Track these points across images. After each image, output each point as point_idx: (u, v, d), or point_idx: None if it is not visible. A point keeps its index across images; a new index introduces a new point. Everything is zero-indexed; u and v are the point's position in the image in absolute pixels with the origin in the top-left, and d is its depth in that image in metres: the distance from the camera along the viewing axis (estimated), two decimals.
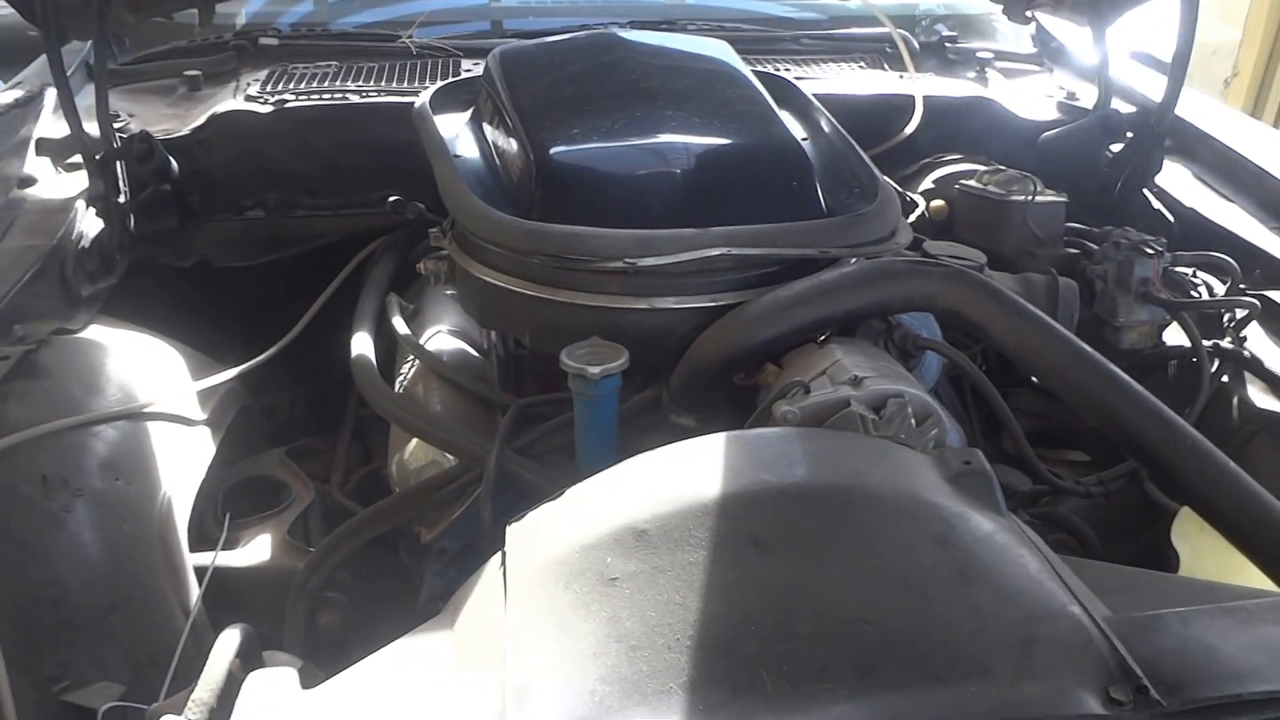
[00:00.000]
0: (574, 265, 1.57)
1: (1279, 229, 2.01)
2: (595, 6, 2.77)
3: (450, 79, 2.19)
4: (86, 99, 2.14)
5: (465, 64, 2.41)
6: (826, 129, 1.97)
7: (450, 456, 1.66)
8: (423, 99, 2.02)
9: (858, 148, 1.89)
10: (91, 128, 1.95)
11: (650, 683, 1.02)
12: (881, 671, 1.00)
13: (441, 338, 1.93)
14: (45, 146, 1.99)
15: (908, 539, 1.16)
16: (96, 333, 1.77)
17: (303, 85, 2.28)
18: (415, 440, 1.68)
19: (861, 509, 1.18)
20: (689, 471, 1.22)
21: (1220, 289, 1.92)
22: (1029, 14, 2.38)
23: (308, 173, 2.23)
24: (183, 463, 1.65)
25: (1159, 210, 2.14)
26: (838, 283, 1.54)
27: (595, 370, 1.47)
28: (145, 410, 1.63)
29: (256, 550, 1.68)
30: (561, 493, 1.26)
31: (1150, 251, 1.87)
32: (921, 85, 2.34)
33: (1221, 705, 0.96)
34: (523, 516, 1.26)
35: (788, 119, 1.89)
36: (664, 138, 1.72)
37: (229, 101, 2.21)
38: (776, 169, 1.72)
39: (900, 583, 1.10)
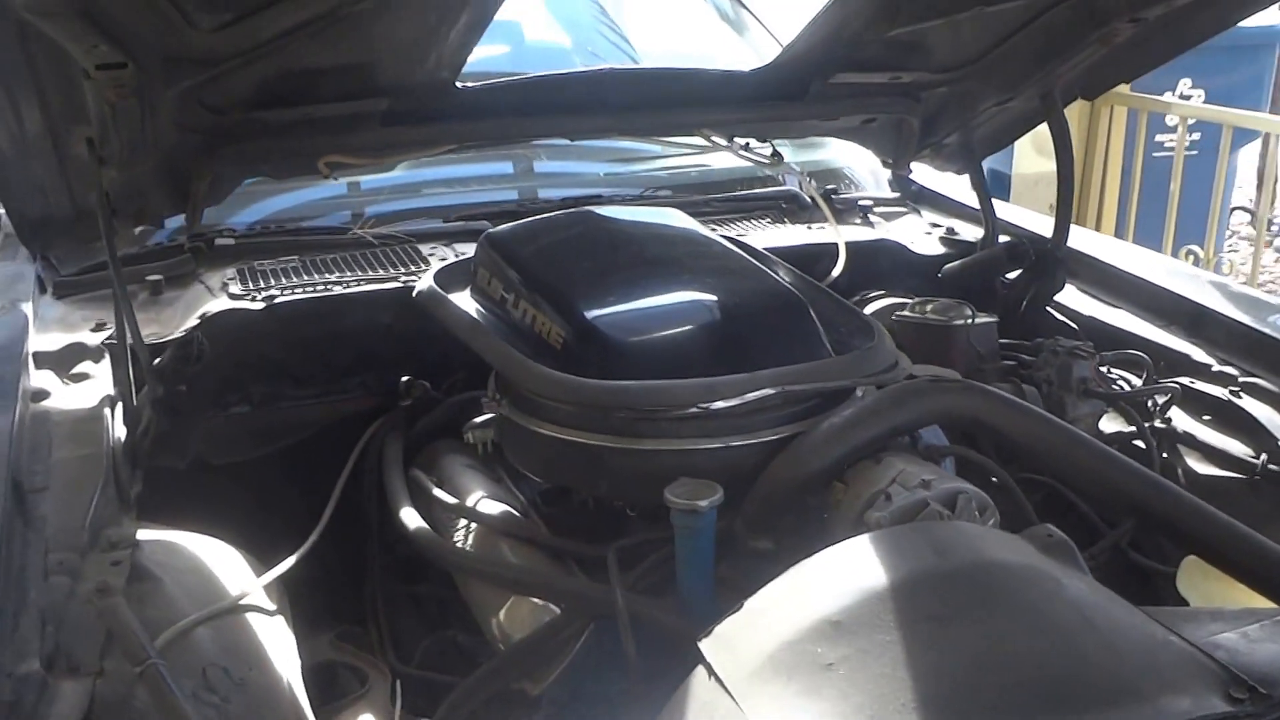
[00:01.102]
0: (653, 415, 1.81)
1: (1166, 326, 2.48)
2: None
3: (440, 264, 2.39)
4: (42, 309, 2.24)
5: (423, 248, 2.62)
6: (792, 278, 2.31)
7: (552, 608, 1.81)
8: (427, 283, 2.22)
9: (830, 292, 2.23)
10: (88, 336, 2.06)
11: None
12: (1062, 705, 1.26)
13: (486, 503, 2.09)
14: (45, 359, 2.06)
15: (1040, 599, 1.44)
16: (157, 534, 1.83)
17: (282, 281, 2.42)
18: (512, 598, 1.83)
19: (1001, 580, 1.46)
20: (856, 568, 1.46)
21: (1137, 381, 2.35)
22: (910, 166, 2.83)
23: (293, 364, 2.36)
24: (283, 651, 1.74)
25: (1064, 321, 2.58)
26: (879, 405, 1.84)
27: (704, 504, 1.69)
28: (247, 603, 1.72)
29: None
30: (740, 605, 1.47)
31: (1084, 354, 2.29)
32: (842, 233, 2.74)
33: None
34: (710, 632, 1.46)
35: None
36: (687, 297, 2.00)
37: (218, 301, 2.32)
38: (785, 315, 2.02)
39: (1048, 634, 1.38)
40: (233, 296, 2.35)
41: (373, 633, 2.12)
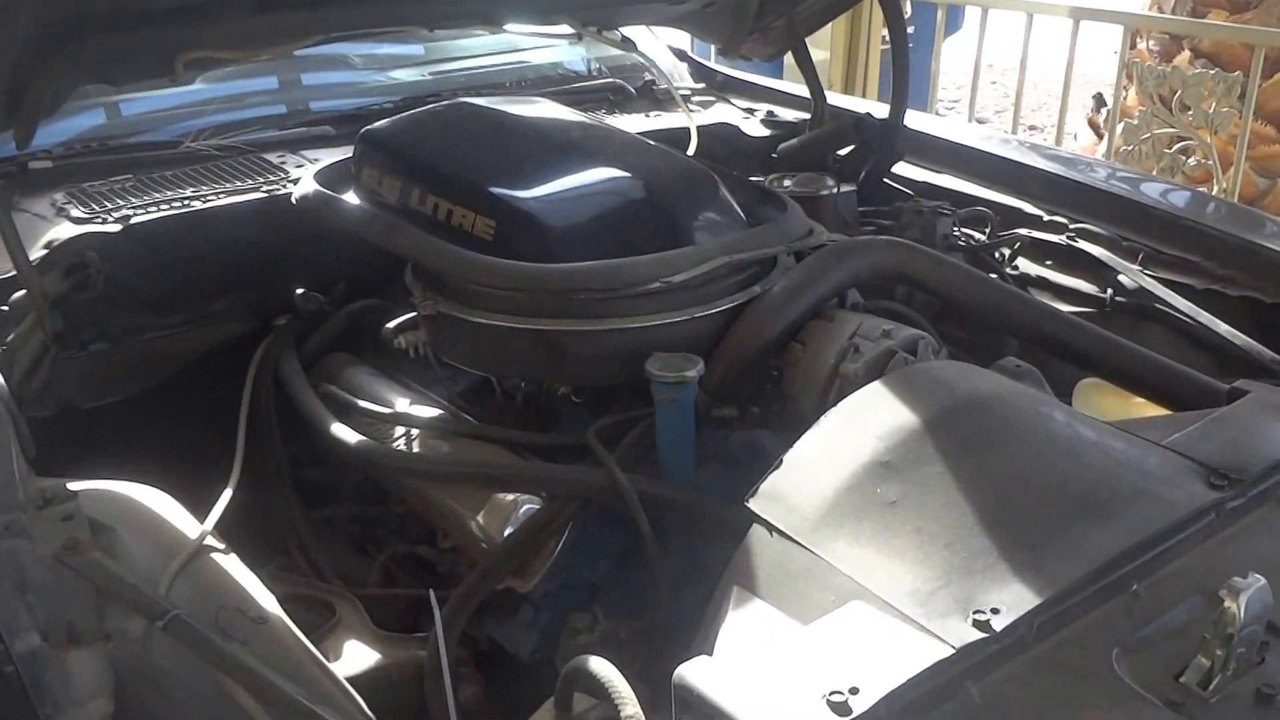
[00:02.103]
0: (615, 295, 1.77)
1: (991, 186, 2.68)
2: (367, 87, 2.85)
3: (316, 166, 2.21)
4: None
5: (271, 158, 2.41)
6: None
7: (532, 502, 1.76)
8: (310, 185, 2.06)
9: (723, 169, 2.25)
10: None
11: (978, 561, 1.31)
12: (1091, 510, 1.38)
13: (418, 408, 1.99)
14: None
15: (1042, 422, 1.56)
16: (85, 485, 1.63)
17: (129, 201, 2.16)
18: (493, 496, 1.76)
19: (1008, 408, 1.56)
20: (883, 413, 1.52)
21: (981, 236, 2.53)
22: (741, 49, 2.88)
23: (152, 291, 2.13)
24: (261, 589, 1.60)
25: (901, 189, 2.72)
26: (823, 265, 1.90)
27: (693, 374, 1.69)
28: (211, 544, 1.56)
29: (360, 656, 1.67)
30: (780, 461, 1.48)
31: (946, 213, 2.43)
32: (693, 118, 2.75)
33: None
34: (755, 492, 1.47)
35: None
36: (609, 178, 1.96)
37: (61, 226, 2.05)
38: (705, 189, 2.03)
39: (1060, 452, 1.51)
40: (76, 220, 2.07)
41: (301, 563, 1.97)
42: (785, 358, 1.88)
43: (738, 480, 1.87)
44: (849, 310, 1.93)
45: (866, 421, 1.51)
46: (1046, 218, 2.56)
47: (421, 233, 1.87)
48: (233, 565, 1.55)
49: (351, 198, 2.08)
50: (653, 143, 2.18)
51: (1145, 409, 1.99)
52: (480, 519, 1.77)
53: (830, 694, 1.14)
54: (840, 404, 1.55)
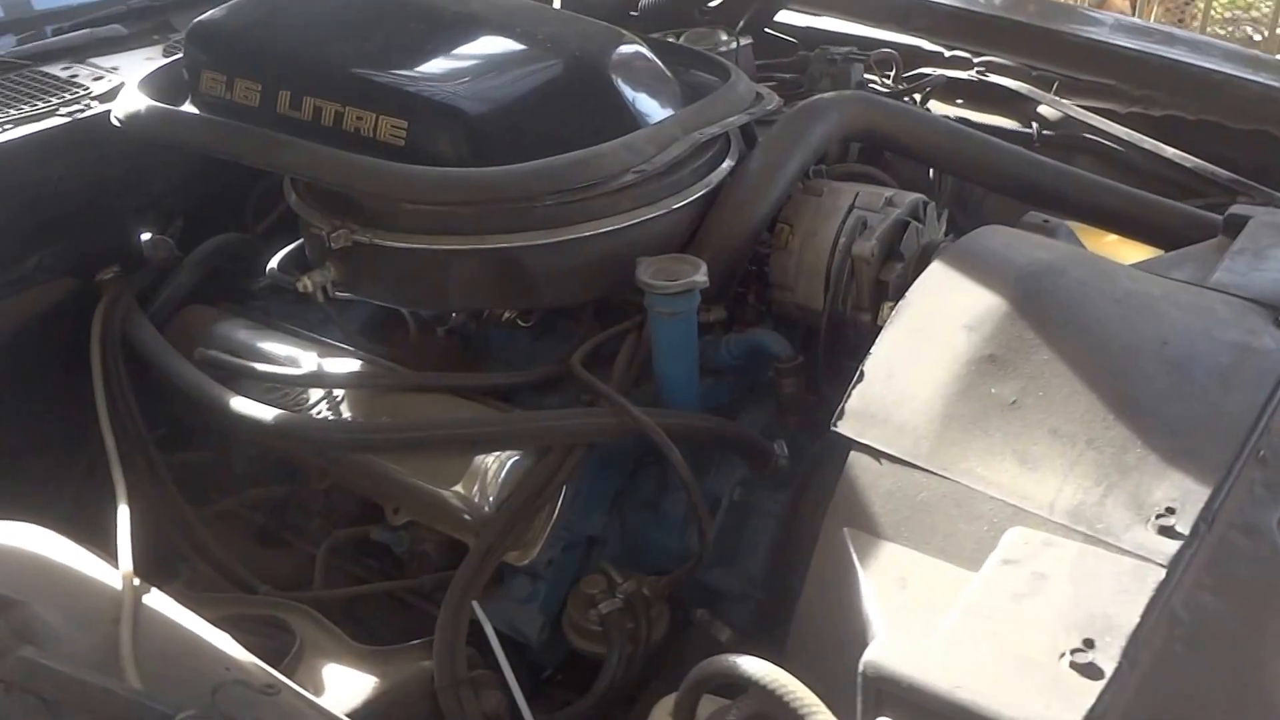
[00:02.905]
0: (584, 195, 1.46)
1: (881, 26, 2.46)
2: None
3: (133, 76, 1.74)
4: None
5: (52, 71, 1.91)
6: None
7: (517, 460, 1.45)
8: (139, 100, 1.61)
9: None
10: None
11: (1127, 455, 1.14)
12: (1202, 373, 1.23)
13: (332, 360, 1.63)
14: None
15: (1112, 282, 1.39)
16: None
17: None
18: (475, 460, 1.44)
19: (1077, 272, 1.37)
20: (958, 300, 1.30)
21: (887, 82, 2.32)
22: None
23: None
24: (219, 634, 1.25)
25: (784, 38, 2.47)
26: (794, 129, 1.65)
27: (700, 277, 1.42)
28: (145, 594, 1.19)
29: (354, 684, 1.34)
30: (861, 373, 1.25)
31: (859, 58, 2.20)
32: None
33: None
34: (841, 413, 1.23)
35: None
36: (533, 54, 1.61)
37: None
38: (637, 59, 1.70)
39: (1140, 311, 1.34)
40: None
41: (208, 572, 1.60)
42: (772, 243, 1.61)
43: (742, 391, 1.64)
44: (829, 181, 1.68)
45: (948, 312, 1.29)
46: (948, 54, 2.37)
47: (320, 146, 1.48)
48: (176, 611, 1.18)
49: (192, 110, 1.64)
50: (556, 7, 1.83)
51: (1112, 249, 1.87)
52: (459, 488, 1.45)
53: (1070, 654, 0.94)
54: (909, 296, 1.32)
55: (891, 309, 1.55)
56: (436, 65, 1.57)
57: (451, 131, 1.47)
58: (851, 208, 1.59)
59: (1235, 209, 1.64)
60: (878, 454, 1.20)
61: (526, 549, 1.47)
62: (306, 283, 1.53)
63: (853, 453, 1.21)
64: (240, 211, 1.98)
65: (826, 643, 1.16)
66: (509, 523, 1.41)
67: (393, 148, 1.48)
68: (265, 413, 1.52)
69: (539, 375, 1.57)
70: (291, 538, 1.70)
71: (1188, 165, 2.04)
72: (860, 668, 0.97)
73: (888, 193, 1.61)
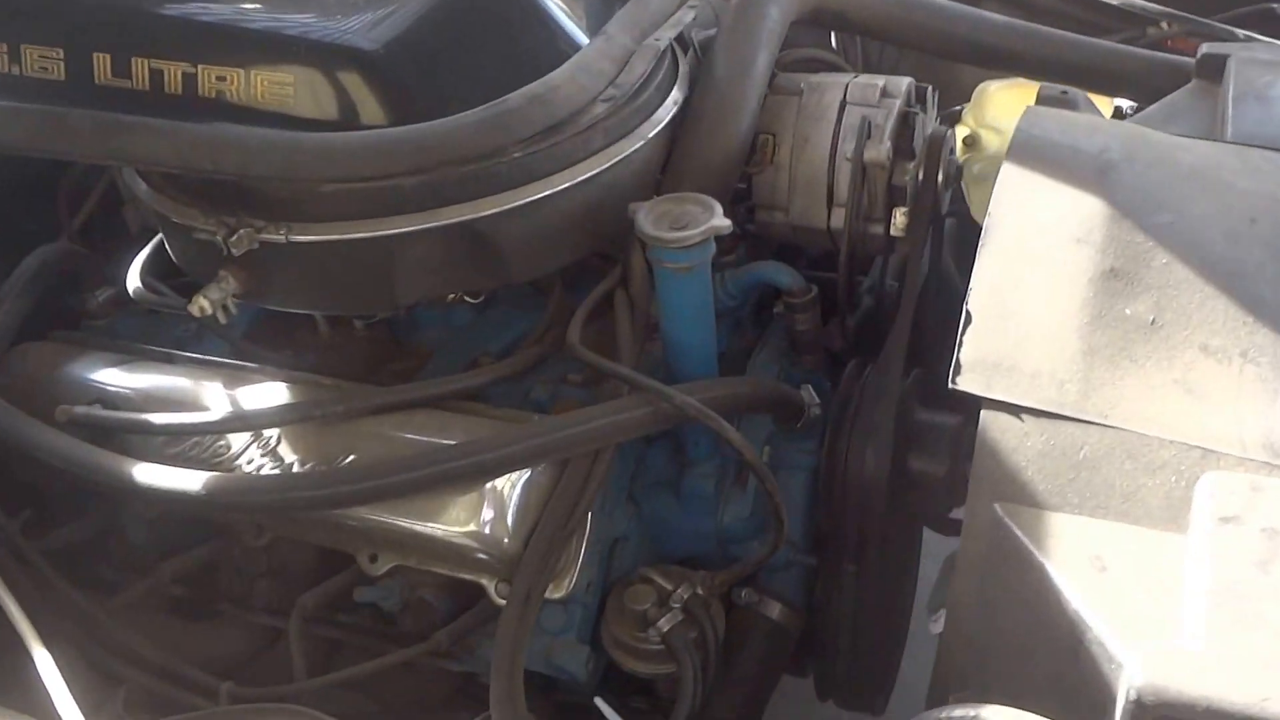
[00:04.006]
0: (556, 139, 1.20)
1: None
2: None
3: None
4: None
5: None
6: None
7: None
8: None
9: None
10: None
11: None
12: None
13: (255, 388, 1.31)
14: None
15: (1177, 155, 1.23)
16: None
17: None
18: (489, 487, 1.18)
19: (1144, 152, 1.21)
20: (1056, 202, 1.13)
21: None
22: None
23: None
24: None
25: None
26: (751, 23, 1.42)
27: (721, 221, 1.18)
28: None
29: None
30: (967, 315, 1.05)
31: None
32: None
33: None
34: (957, 367, 1.04)
35: None
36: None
37: None
38: None
39: (1216, 186, 1.19)
40: None
41: (135, 678, 1.29)
42: (751, 159, 1.38)
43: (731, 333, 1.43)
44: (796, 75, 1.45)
45: (1045, 226, 1.09)
46: None
47: (188, 125, 1.14)
48: None
49: None
50: None
51: None
52: (474, 527, 1.18)
53: None
54: (993, 214, 1.10)
55: (905, 215, 1.37)
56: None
57: (360, 82, 1.16)
58: (844, 105, 1.37)
59: (1207, 49, 1.52)
60: (1015, 409, 1.01)
61: (561, 578, 1.23)
62: (203, 304, 1.20)
63: (984, 412, 1.02)
64: (39, 213, 1.59)
65: (1008, 645, 0.99)
66: (545, 557, 1.17)
67: (276, 113, 1.16)
68: (190, 480, 1.20)
69: (522, 363, 1.30)
70: (229, 608, 1.38)
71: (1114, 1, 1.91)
72: (1130, 695, 0.80)
73: (878, 81, 1.40)
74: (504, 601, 1.20)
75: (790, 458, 1.37)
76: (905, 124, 1.36)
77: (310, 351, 1.45)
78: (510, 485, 1.19)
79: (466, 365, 1.38)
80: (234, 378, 1.34)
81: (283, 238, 1.17)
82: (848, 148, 1.35)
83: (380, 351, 1.45)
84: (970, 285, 1.07)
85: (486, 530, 1.18)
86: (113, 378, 1.36)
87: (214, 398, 1.31)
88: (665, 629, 1.23)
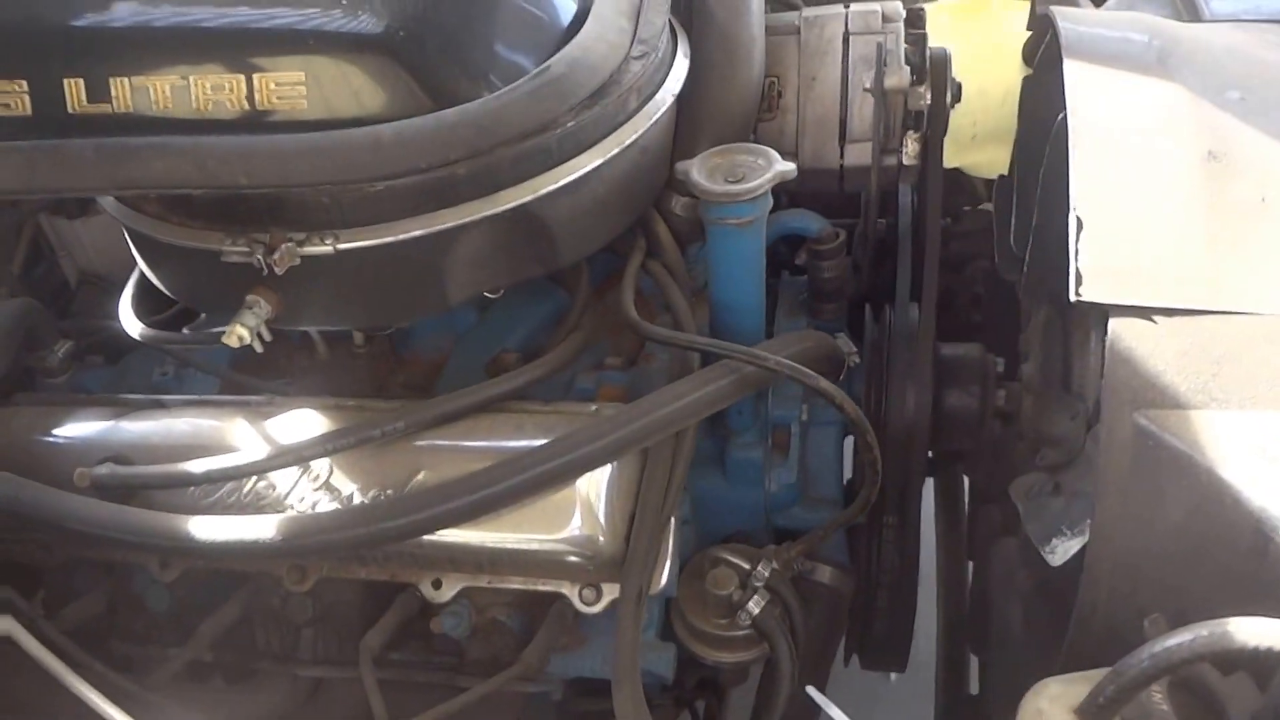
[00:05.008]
0: (599, 104, 1.12)
1: None
2: None
3: None
4: None
5: None
6: None
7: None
8: None
9: None
10: None
11: None
12: None
13: (282, 421, 1.19)
14: None
15: (1205, 35, 1.24)
16: None
17: None
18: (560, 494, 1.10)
19: (1174, 28, 1.21)
20: (1131, 90, 1.12)
21: None
22: None
23: None
24: None
25: None
26: None
27: (787, 166, 1.13)
28: None
29: None
30: (1078, 221, 1.02)
31: None
32: None
33: None
34: (1079, 277, 1.02)
35: None
36: None
37: None
38: None
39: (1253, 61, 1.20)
40: None
41: None
42: (772, 104, 1.34)
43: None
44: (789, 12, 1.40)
45: (1128, 122, 1.07)
46: None
47: (206, 140, 1.02)
48: None
49: None
50: None
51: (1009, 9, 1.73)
52: (566, 530, 1.09)
53: None
54: (1073, 123, 1.06)
55: (918, 141, 1.35)
56: None
57: (385, 69, 1.05)
58: (847, 36, 1.33)
59: None
60: (1146, 312, 0.99)
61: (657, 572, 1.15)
62: (241, 333, 1.07)
63: (1113, 321, 0.99)
64: None
65: (1169, 557, 0.97)
66: (649, 550, 1.09)
67: (287, 119, 1.04)
68: (261, 528, 1.07)
69: (571, 351, 1.22)
70: (269, 664, 1.26)
71: None
72: None
73: (874, 6, 1.35)
74: (588, 608, 1.14)
75: (822, 413, 1.33)
76: (919, 48, 1.33)
77: (309, 375, 1.33)
78: (596, 481, 1.10)
79: (489, 365, 1.29)
80: (254, 413, 1.22)
81: (330, 248, 1.05)
82: (863, 79, 1.31)
83: (383, 366, 1.34)
84: (1072, 190, 1.04)
85: (579, 532, 1.10)
86: (117, 433, 1.22)
87: (241, 437, 1.18)
88: (756, 611, 1.17)
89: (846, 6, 1.38)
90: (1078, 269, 1.01)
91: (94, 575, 1.30)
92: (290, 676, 1.26)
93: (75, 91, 1.06)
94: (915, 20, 1.38)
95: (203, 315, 1.38)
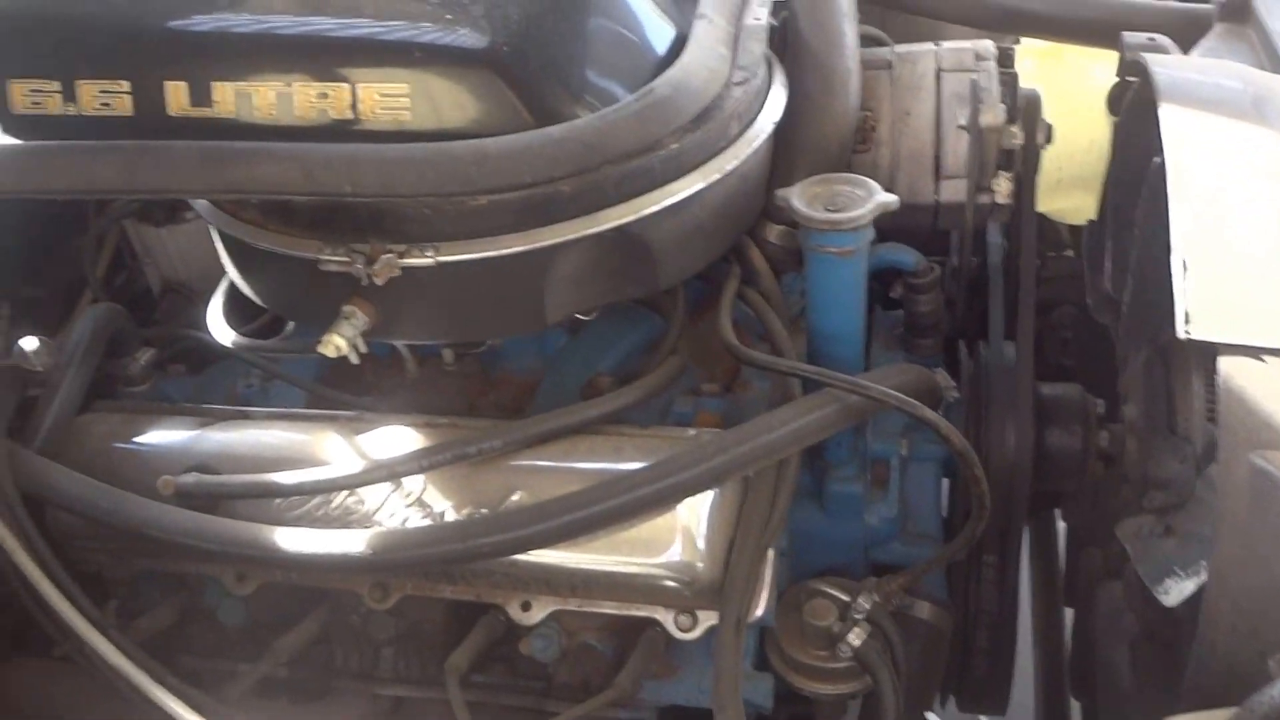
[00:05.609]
0: (698, 127, 1.12)
1: None
2: None
3: None
4: None
5: None
6: None
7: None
8: None
9: None
10: None
11: None
12: None
13: (374, 437, 1.18)
14: None
15: None
16: None
17: None
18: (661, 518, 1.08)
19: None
20: (1229, 140, 1.10)
21: None
22: None
23: None
24: None
25: None
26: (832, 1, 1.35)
27: (889, 196, 1.13)
28: None
29: None
30: (1183, 263, 1.02)
31: None
32: None
33: None
34: (1186, 318, 1.01)
35: None
36: None
37: None
38: None
39: None
40: None
41: None
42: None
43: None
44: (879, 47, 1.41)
45: (1230, 163, 1.07)
46: None
47: (311, 147, 1.02)
48: None
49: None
50: None
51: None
52: (664, 555, 1.08)
53: None
54: (1173, 162, 1.06)
55: (1010, 180, 1.34)
56: None
57: (490, 83, 1.05)
58: (939, 73, 1.33)
59: None
60: (1256, 352, 0.98)
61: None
62: (338, 343, 1.07)
63: (1223, 361, 0.98)
64: (39, 269, 1.42)
65: None
66: (749, 578, 1.08)
67: (389, 130, 1.05)
68: (353, 541, 1.06)
69: (669, 375, 1.21)
70: (347, 682, 1.24)
71: None
72: None
73: (965, 45, 1.36)
74: (683, 634, 1.13)
75: (921, 449, 1.32)
76: (1010, 86, 1.33)
77: (397, 392, 1.32)
78: (697, 507, 1.09)
79: (583, 388, 1.28)
80: (344, 427, 1.21)
81: (430, 260, 1.05)
82: (956, 116, 1.31)
83: (474, 385, 1.33)
84: (1173, 233, 1.03)
85: (678, 558, 1.08)
86: (202, 443, 1.22)
87: (330, 451, 1.18)
88: (857, 644, 1.16)
89: (937, 45, 1.38)
90: (1185, 309, 1.00)
91: (164, 588, 1.29)
92: (369, 695, 1.25)
93: (177, 94, 1.07)
94: (1005, 60, 1.38)
95: (289, 327, 1.38)
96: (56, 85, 1.09)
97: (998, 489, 1.26)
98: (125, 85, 1.08)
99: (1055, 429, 1.31)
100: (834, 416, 1.11)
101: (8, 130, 1.12)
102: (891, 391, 1.10)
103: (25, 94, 1.10)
